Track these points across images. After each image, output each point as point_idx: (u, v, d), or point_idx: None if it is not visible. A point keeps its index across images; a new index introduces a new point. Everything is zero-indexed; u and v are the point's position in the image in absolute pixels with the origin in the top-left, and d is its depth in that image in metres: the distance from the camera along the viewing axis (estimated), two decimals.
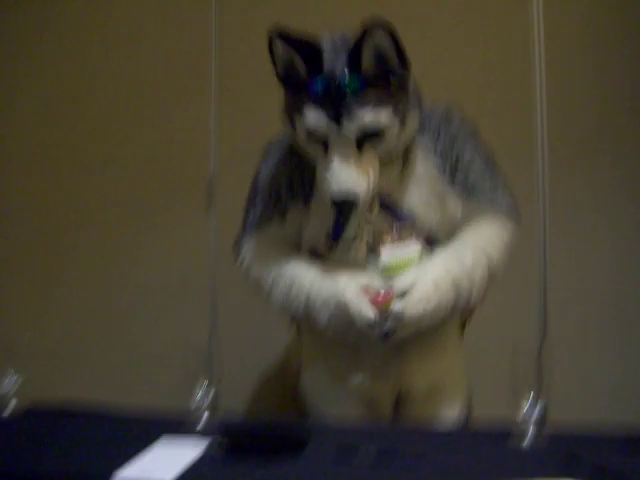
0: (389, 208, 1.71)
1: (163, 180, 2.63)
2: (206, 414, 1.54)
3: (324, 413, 1.79)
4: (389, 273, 1.66)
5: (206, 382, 1.52)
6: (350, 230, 1.68)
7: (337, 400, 1.79)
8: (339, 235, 1.68)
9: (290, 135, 1.71)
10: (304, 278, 1.67)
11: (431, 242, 1.71)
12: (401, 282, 1.62)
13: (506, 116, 2.44)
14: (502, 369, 1.47)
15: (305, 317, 1.69)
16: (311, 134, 1.60)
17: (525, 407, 1.41)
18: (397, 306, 1.58)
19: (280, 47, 1.57)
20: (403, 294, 1.59)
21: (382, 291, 1.60)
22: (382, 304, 1.58)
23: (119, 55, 2.69)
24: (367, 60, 1.55)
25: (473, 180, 1.76)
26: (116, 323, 2.63)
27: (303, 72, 1.57)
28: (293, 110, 1.62)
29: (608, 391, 2.41)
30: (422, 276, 1.62)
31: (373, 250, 1.68)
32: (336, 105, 1.54)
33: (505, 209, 1.75)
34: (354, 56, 1.55)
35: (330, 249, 1.72)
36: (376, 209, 1.69)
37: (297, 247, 1.80)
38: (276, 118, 2.45)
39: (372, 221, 1.69)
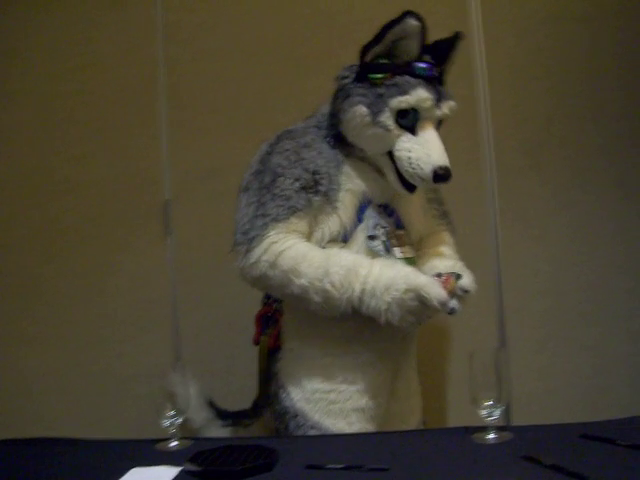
0: (391, 216, 1.82)
1: (120, 209, 2.63)
2: (174, 442, 1.56)
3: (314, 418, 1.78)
4: None
5: (172, 411, 1.54)
6: (371, 229, 1.75)
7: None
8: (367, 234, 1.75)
9: (357, 119, 1.72)
10: (360, 266, 1.65)
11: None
12: (445, 268, 1.77)
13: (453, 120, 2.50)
14: (462, 375, 1.52)
15: (358, 303, 1.65)
16: (405, 113, 1.69)
17: (485, 412, 1.46)
18: (466, 284, 1.70)
19: (413, 25, 1.66)
20: (457, 276, 1.70)
21: (444, 276, 1.69)
22: (448, 286, 1.66)
23: (70, 86, 2.67)
24: (450, 59, 1.79)
25: (442, 200, 2.01)
26: (81, 352, 2.61)
27: (413, 54, 1.70)
28: (386, 87, 1.68)
29: (566, 386, 2.47)
30: (456, 262, 1.85)
31: (388, 251, 1.76)
32: (437, 89, 1.73)
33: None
34: (444, 53, 1.77)
35: (344, 247, 1.74)
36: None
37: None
38: (226, 142, 2.50)
39: (385, 225, 1.78)
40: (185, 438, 1.60)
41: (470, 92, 2.51)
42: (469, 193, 2.48)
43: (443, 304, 1.62)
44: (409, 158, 1.69)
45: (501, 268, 2.47)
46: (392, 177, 1.76)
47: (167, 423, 1.55)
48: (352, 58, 1.75)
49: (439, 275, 1.70)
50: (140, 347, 2.58)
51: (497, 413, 1.46)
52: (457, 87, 2.46)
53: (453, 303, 1.66)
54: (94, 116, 2.66)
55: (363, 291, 1.63)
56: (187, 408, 1.59)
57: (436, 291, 1.61)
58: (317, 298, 1.66)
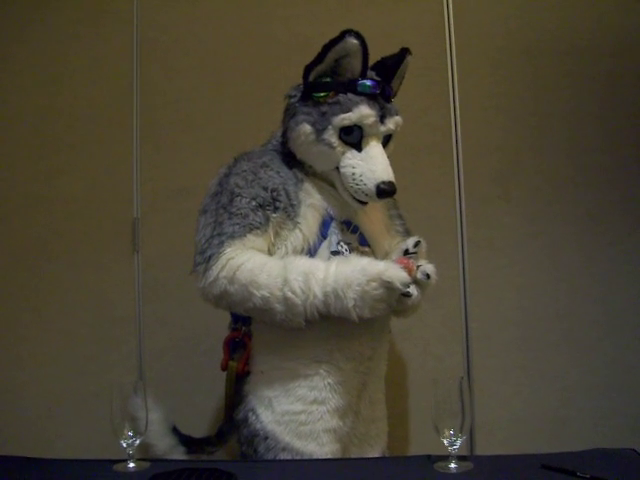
0: (355, 233, 1.83)
1: (87, 225, 2.60)
2: (131, 463, 1.54)
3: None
4: None
5: (130, 432, 1.52)
6: (334, 245, 1.75)
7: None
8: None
9: (302, 137, 1.75)
10: (317, 269, 1.64)
11: None
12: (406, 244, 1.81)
13: (424, 148, 2.54)
14: (427, 403, 1.51)
15: (324, 307, 1.63)
16: (349, 130, 1.72)
17: (447, 441, 1.45)
18: (429, 268, 1.76)
19: (353, 44, 1.68)
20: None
21: (405, 259, 1.72)
22: (411, 268, 1.69)
23: (41, 99, 2.66)
24: (398, 77, 1.87)
25: (403, 216, 2.02)
26: (43, 369, 2.57)
27: (356, 72, 1.72)
28: (329, 105, 1.72)
29: (530, 416, 2.47)
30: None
31: None
32: (381, 105, 1.76)
33: None
34: (390, 69, 1.83)
35: None
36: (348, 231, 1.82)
37: None
38: (196, 162, 2.50)
39: (348, 241, 1.79)
40: (142, 460, 1.58)
41: (441, 121, 2.54)
42: (437, 221, 2.49)
43: (405, 285, 1.63)
44: (353, 174, 1.73)
45: (467, 297, 2.48)
46: (343, 192, 1.79)
47: (124, 444, 1.53)
48: None
49: (406, 251, 1.76)
50: (104, 365, 2.55)
51: (459, 442, 1.45)
52: (431, 117, 2.54)
53: (412, 289, 1.69)
54: (65, 131, 2.65)
55: (326, 294, 1.62)
56: (145, 430, 1.56)
57: (397, 273, 1.61)
58: (280, 307, 1.65)
